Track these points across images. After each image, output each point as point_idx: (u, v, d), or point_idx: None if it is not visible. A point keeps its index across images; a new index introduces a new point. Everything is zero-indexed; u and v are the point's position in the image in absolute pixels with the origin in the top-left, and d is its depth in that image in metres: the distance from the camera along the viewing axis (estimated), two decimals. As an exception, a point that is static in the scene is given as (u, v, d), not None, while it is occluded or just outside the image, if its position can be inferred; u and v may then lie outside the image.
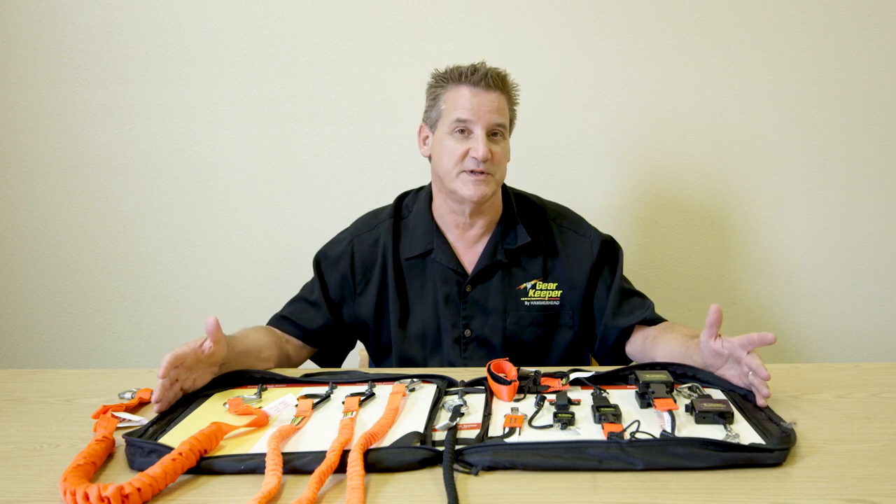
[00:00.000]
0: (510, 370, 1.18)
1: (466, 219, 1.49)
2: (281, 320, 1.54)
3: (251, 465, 0.90)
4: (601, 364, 1.57)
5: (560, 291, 1.51)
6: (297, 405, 1.12)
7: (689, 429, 1.00)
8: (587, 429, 1.00)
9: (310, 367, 1.56)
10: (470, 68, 1.43)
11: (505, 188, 1.57)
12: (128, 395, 1.20)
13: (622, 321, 1.48)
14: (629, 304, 1.50)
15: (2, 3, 2.09)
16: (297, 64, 2.10)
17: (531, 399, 1.13)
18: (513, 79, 1.50)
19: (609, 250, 1.55)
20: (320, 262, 1.57)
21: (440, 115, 1.46)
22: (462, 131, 1.42)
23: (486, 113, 1.41)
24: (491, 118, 1.41)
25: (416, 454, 0.91)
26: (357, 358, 1.75)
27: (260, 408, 1.10)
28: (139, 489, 0.82)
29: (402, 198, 1.61)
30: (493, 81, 1.42)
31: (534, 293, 1.50)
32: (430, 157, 1.52)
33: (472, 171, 1.41)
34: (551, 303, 1.51)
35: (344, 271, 1.55)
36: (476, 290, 1.51)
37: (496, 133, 1.44)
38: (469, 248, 1.53)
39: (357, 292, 1.55)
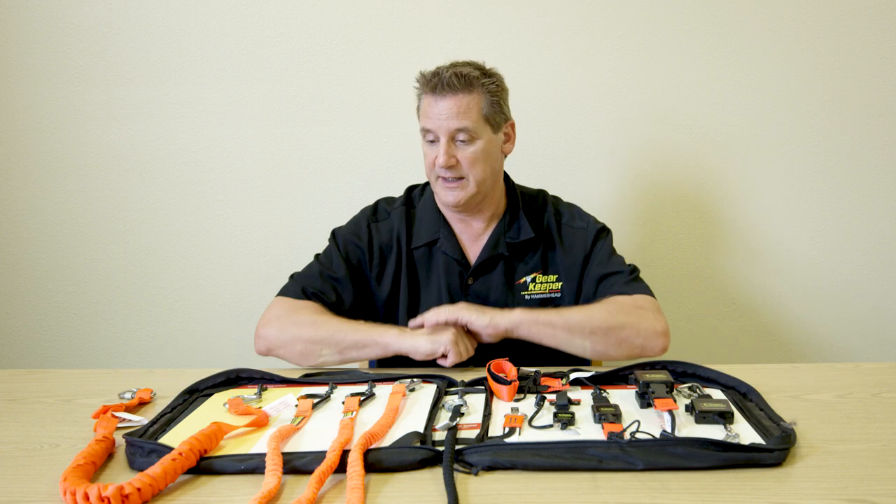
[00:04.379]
0: (510, 370, 1.18)
1: (462, 216, 1.51)
2: (314, 296, 1.47)
3: (251, 465, 0.90)
4: None
5: (561, 283, 1.52)
6: (297, 405, 1.12)
7: (689, 429, 1.00)
8: (587, 429, 1.01)
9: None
10: (431, 74, 1.43)
11: (509, 182, 1.57)
12: (128, 395, 1.20)
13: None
14: (603, 286, 1.48)
15: (2, 3, 2.09)
16: (297, 64, 2.10)
17: (531, 399, 1.13)
18: (491, 69, 1.47)
19: (597, 238, 1.53)
20: (338, 239, 1.55)
21: (420, 120, 1.48)
22: (431, 140, 1.43)
23: (444, 120, 1.40)
24: (450, 124, 1.40)
25: (416, 454, 0.91)
26: (357, 358, 1.74)
27: (260, 408, 1.10)
28: (139, 489, 0.82)
29: (411, 189, 1.62)
30: (451, 85, 1.39)
31: (534, 287, 1.51)
32: None
33: (445, 179, 1.44)
34: (552, 295, 1.52)
35: (363, 252, 1.53)
36: (478, 282, 1.52)
37: (462, 138, 1.41)
38: (474, 240, 1.54)
39: (373, 275, 1.53)
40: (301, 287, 1.47)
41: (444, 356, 1.30)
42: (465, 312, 1.33)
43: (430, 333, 1.32)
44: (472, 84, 1.41)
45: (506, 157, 1.54)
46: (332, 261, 1.53)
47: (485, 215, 1.52)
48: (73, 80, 2.12)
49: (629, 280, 1.46)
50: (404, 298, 1.52)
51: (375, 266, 1.53)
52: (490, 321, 1.32)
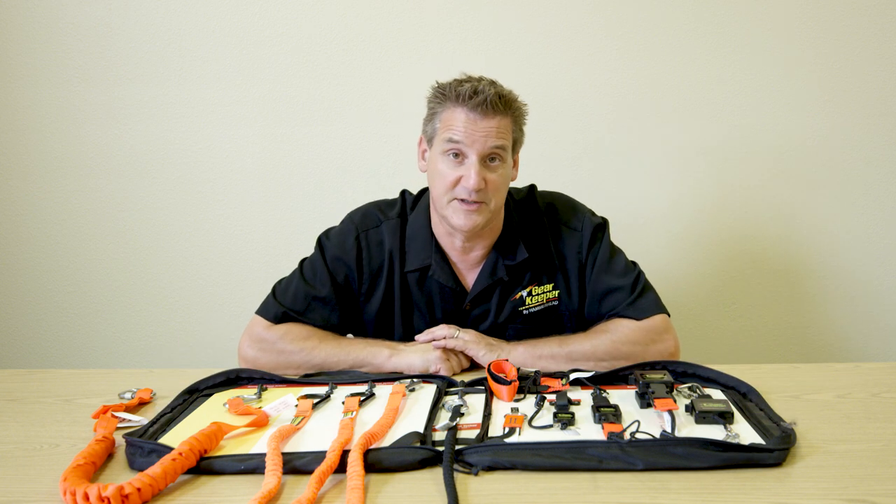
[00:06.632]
0: (510, 370, 1.18)
1: (463, 243, 1.43)
2: (297, 320, 1.44)
3: (251, 465, 0.90)
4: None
5: (557, 291, 1.48)
6: (297, 405, 1.12)
7: (689, 429, 1.00)
8: (587, 429, 1.00)
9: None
10: (469, 90, 1.31)
11: (507, 199, 1.48)
12: (128, 395, 1.20)
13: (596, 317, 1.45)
14: (608, 302, 1.44)
15: (2, 3, 2.09)
16: (297, 64, 2.10)
17: (531, 399, 1.13)
18: (519, 97, 1.38)
19: (594, 241, 1.47)
20: (325, 252, 1.48)
21: (435, 132, 1.37)
22: (456, 155, 1.33)
23: (481, 138, 1.31)
24: (487, 143, 1.31)
25: (416, 454, 0.91)
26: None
27: (260, 408, 1.10)
28: (139, 489, 0.82)
29: (404, 195, 1.53)
30: (494, 106, 1.30)
31: (531, 300, 1.46)
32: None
33: (463, 200, 1.34)
34: (550, 304, 1.48)
35: (350, 270, 1.47)
36: (476, 308, 1.47)
37: (493, 158, 1.34)
38: (469, 268, 1.48)
39: (362, 292, 1.48)
40: (283, 311, 1.41)
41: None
42: (475, 347, 1.34)
43: (423, 352, 1.33)
44: (511, 106, 1.35)
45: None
46: (316, 276, 1.45)
47: (485, 242, 1.44)
48: (73, 80, 2.13)
49: (635, 298, 1.39)
50: (399, 321, 1.47)
51: (365, 283, 1.47)
52: (497, 358, 1.31)
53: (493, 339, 1.37)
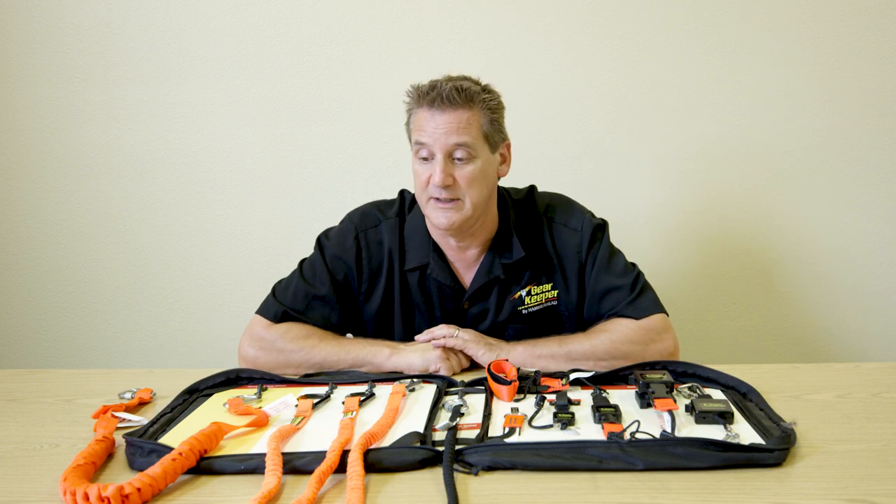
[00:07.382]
0: (510, 370, 1.18)
1: (457, 242, 1.44)
2: (296, 320, 1.44)
3: (251, 465, 0.91)
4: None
5: (556, 291, 1.48)
6: (297, 405, 1.12)
7: (689, 429, 1.00)
8: (587, 429, 1.00)
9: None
10: (428, 87, 1.34)
11: (503, 198, 1.49)
12: (128, 395, 1.20)
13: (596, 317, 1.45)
14: (607, 302, 1.44)
15: (2, 3, 2.09)
16: (297, 64, 2.10)
17: (531, 399, 1.13)
18: (488, 85, 1.39)
19: (593, 241, 1.47)
20: (325, 252, 1.48)
21: (411, 135, 1.39)
22: (425, 156, 1.35)
23: (442, 135, 1.31)
24: (448, 140, 1.31)
25: (416, 454, 0.91)
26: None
27: (260, 408, 1.10)
28: (139, 489, 0.82)
29: (403, 194, 1.54)
30: (451, 99, 1.30)
31: (530, 300, 1.47)
32: None
33: (438, 199, 1.35)
34: (549, 304, 1.48)
35: (350, 269, 1.47)
36: (474, 307, 1.47)
37: (460, 155, 1.33)
38: (467, 266, 1.48)
39: (362, 291, 1.49)
40: (283, 310, 1.42)
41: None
42: (474, 347, 1.34)
43: (423, 351, 1.33)
44: (473, 99, 1.33)
45: (500, 178, 1.46)
46: (316, 275, 1.46)
47: (478, 240, 1.44)
48: (73, 80, 2.13)
49: (634, 298, 1.39)
50: (399, 320, 1.48)
51: (364, 282, 1.47)
52: (497, 357, 1.31)
53: (493, 339, 1.37)
